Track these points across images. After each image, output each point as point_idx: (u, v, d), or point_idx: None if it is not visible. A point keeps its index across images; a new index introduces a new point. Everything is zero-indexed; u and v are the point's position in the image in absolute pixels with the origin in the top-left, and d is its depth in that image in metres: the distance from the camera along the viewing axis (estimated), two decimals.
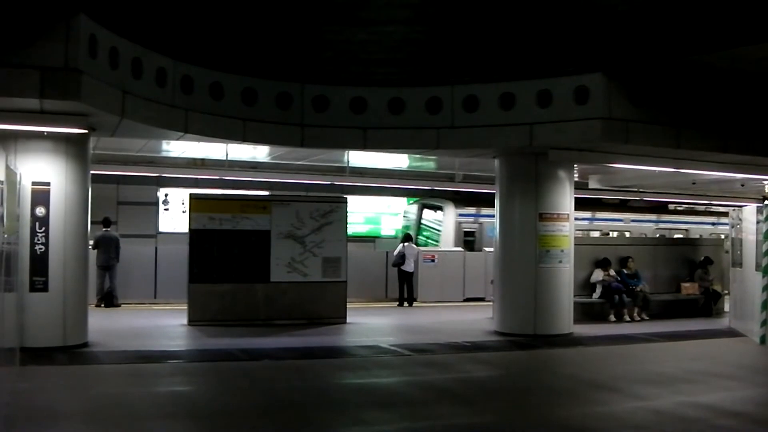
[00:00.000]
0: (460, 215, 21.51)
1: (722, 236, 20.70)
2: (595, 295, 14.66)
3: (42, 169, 9.96)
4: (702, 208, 27.39)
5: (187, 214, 13.76)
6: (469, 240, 21.27)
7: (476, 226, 21.60)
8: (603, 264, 14.74)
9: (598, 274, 14.70)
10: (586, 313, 14.34)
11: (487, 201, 20.32)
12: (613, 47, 10.01)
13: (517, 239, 12.66)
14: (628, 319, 14.62)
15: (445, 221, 21.63)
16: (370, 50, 10.18)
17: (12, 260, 7.88)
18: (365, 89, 11.99)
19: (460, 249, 20.14)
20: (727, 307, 15.08)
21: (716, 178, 17.75)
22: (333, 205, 13.97)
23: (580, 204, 15.39)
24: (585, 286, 14.67)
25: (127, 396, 7.78)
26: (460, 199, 21.79)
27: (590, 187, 21.90)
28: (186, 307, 13.02)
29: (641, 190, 23.14)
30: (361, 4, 8.29)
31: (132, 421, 6.80)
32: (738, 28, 8.81)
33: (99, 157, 15.80)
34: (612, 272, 14.76)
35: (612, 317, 14.54)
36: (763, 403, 8.36)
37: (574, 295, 13.21)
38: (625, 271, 14.99)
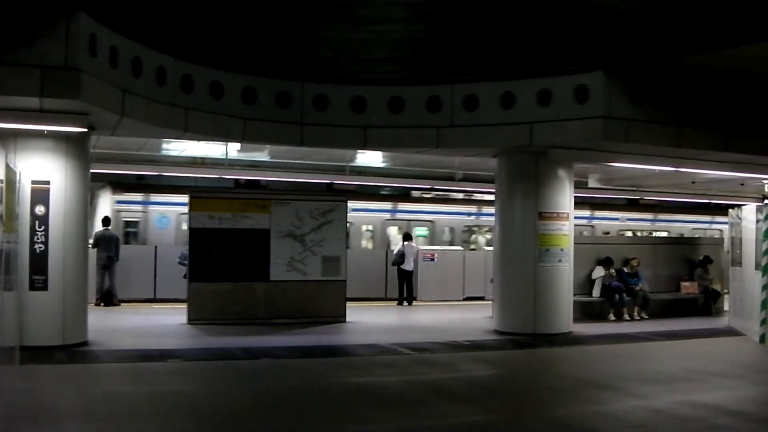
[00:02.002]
0: (119, 202, 18.41)
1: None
2: (595, 293, 14.66)
3: (42, 168, 9.95)
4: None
5: (186, 213, 13.74)
6: (131, 231, 18.60)
7: (141, 215, 18.83)
8: (605, 263, 14.73)
9: (599, 271, 14.69)
10: (585, 312, 14.34)
11: (154, 187, 18.86)
12: (613, 46, 10.01)
13: (516, 238, 12.65)
14: (627, 318, 14.62)
15: (99, 209, 18.24)
16: (370, 49, 10.18)
17: (11, 259, 7.88)
18: (365, 88, 11.99)
19: (459, 248, 20.09)
20: (726, 306, 15.09)
21: (716, 177, 17.72)
22: (333, 204, 13.98)
23: None
24: (584, 285, 14.67)
25: (127, 395, 7.77)
26: (121, 184, 18.84)
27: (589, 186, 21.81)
28: (186, 306, 13.02)
29: (640, 188, 23.06)
30: (362, 3, 8.30)
31: (131, 419, 6.79)
32: (737, 27, 8.81)
33: (99, 156, 15.78)
34: (613, 271, 14.76)
35: (611, 316, 14.54)
36: (762, 402, 8.36)
37: (574, 294, 13.22)
38: (625, 269, 14.98)
